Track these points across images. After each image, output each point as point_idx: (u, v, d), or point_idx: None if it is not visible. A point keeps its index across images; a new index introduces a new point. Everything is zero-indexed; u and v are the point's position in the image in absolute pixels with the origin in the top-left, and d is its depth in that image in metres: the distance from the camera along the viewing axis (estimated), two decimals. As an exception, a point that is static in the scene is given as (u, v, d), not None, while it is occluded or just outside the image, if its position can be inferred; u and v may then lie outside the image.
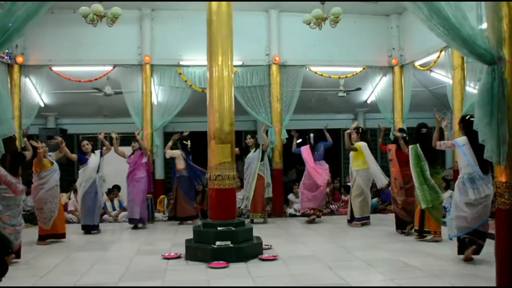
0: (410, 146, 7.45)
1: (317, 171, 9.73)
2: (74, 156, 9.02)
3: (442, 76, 11.06)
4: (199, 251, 6.42)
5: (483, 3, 3.61)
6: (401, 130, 8.55)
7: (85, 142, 9.10)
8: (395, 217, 8.36)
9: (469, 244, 5.88)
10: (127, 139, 13.82)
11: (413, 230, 7.66)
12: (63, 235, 7.98)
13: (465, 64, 9.04)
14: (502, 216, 3.59)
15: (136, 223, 9.47)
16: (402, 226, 8.17)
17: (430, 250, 6.69)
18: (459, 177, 5.96)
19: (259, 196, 9.79)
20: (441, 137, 6.60)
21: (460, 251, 6.03)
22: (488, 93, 3.53)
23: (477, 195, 5.70)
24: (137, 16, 11.17)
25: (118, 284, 5.29)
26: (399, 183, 8.12)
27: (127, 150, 9.86)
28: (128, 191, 9.62)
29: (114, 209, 10.92)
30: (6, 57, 10.48)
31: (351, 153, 9.54)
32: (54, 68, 10.95)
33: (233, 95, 6.96)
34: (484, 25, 3.73)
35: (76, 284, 5.34)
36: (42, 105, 11.88)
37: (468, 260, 5.89)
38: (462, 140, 6.01)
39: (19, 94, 10.81)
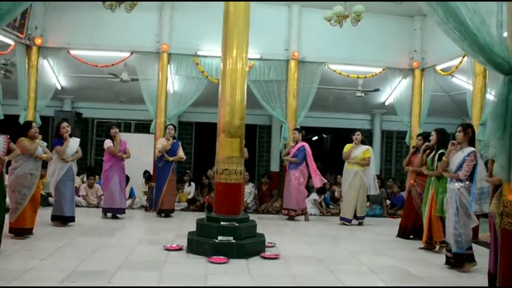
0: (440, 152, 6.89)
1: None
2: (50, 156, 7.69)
3: (463, 82, 10.81)
4: (200, 244, 6.35)
5: (504, 9, 3.44)
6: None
7: (65, 124, 8.24)
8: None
9: (468, 260, 5.95)
10: (141, 125, 13.94)
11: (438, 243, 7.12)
12: (29, 230, 7.03)
13: (487, 71, 8.81)
14: (508, 236, 3.43)
15: (122, 213, 9.26)
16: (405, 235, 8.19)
17: (435, 260, 6.52)
18: (476, 189, 5.62)
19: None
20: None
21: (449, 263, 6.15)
22: (503, 105, 3.35)
23: (486, 209, 5.59)
24: (157, 4, 11.10)
25: (116, 273, 5.24)
26: None
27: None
28: (114, 181, 9.12)
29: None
30: (25, 38, 10.51)
31: (356, 154, 9.53)
32: (72, 52, 10.96)
33: (245, 89, 6.82)
34: (505, 33, 3.55)
35: (75, 269, 5.31)
36: (59, 87, 11.95)
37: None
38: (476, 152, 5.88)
39: (36, 75, 10.88)
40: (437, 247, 7.05)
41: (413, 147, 8.74)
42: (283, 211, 10.05)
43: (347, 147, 9.67)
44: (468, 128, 6.11)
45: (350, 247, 7.39)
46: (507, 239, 3.45)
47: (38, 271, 5.21)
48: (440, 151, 6.86)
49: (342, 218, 9.63)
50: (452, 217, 6.01)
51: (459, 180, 5.93)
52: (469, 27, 3.29)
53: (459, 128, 6.16)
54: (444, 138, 7.03)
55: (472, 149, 5.95)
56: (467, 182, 5.87)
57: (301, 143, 9.94)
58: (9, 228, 6.85)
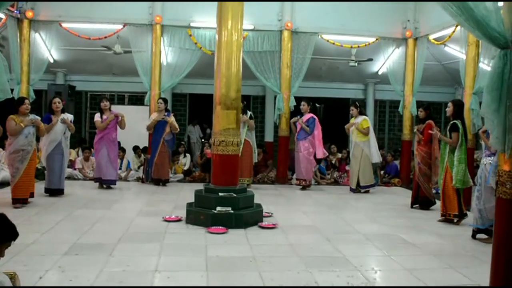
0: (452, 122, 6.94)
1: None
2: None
3: (456, 51, 10.85)
4: (199, 215, 6.47)
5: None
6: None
7: (56, 99, 8.41)
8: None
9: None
10: (135, 98, 13.92)
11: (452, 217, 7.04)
12: (25, 200, 7.38)
13: (480, 41, 8.83)
14: (502, 205, 3.54)
15: (112, 184, 9.52)
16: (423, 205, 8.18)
17: (431, 228, 6.68)
18: (494, 163, 5.64)
19: (246, 162, 9.74)
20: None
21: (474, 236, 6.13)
22: (499, 78, 3.40)
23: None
24: (149, -25, 10.96)
25: (117, 245, 5.34)
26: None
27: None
28: (102, 153, 9.29)
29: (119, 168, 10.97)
30: (16, 12, 10.38)
31: (356, 125, 9.85)
32: (64, 24, 10.84)
33: (241, 61, 6.86)
34: (501, 3, 3.59)
35: (76, 242, 5.40)
36: (52, 60, 11.85)
37: None
38: None
39: (28, 49, 10.77)
40: (455, 219, 6.98)
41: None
42: (296, 181, 10.33)
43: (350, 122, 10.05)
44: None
45: (346, 215, 7.54)
46: (501, 207, 3.55)
47: (40, 244, 5.30)
48: (452, 122, 6.93)
49: (350, 188, 9.96)
50: (476, 192, 6.06)
51: (490, 155, 5.91)
52: (466, 2, 3.33)
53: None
54: (460, 110, 7.05)
55: None
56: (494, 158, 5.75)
57: (309, 114, 10.15)
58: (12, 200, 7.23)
